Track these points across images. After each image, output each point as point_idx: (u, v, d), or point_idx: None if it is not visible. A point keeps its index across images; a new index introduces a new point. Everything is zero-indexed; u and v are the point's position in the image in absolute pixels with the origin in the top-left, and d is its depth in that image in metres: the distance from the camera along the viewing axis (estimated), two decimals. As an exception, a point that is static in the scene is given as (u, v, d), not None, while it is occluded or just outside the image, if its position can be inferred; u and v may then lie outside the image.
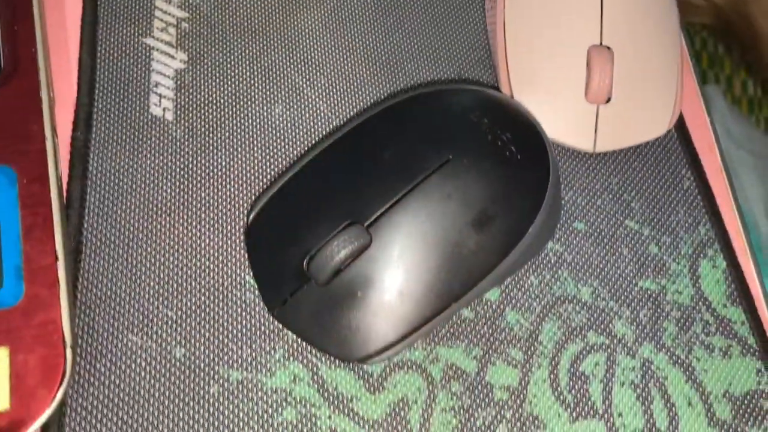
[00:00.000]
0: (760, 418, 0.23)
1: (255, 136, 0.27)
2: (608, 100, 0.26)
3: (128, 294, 0.23)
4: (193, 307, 0.24)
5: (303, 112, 0.28)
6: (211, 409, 0.22)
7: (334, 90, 0.28)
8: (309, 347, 0.23)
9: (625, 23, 0.27)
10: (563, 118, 0.27)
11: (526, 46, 0.27)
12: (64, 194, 0.24)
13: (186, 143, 0.27)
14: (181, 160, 0.26)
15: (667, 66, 0.27)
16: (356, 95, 0.28)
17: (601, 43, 0.26)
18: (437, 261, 0.22)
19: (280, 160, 0.27)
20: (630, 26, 0.27)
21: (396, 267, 0.22)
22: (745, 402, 0.24)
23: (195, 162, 0.26)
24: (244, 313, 0.24)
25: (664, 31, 0.27)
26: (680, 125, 0.30)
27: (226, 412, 0.22)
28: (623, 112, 0.27)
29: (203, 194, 0.26)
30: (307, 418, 0.22)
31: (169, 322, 0.23)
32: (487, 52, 0.30)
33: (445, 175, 0.23)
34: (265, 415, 0.22)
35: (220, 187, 0.26)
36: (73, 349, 0.20)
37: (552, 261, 0.26)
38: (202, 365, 0.23)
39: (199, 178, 0.26)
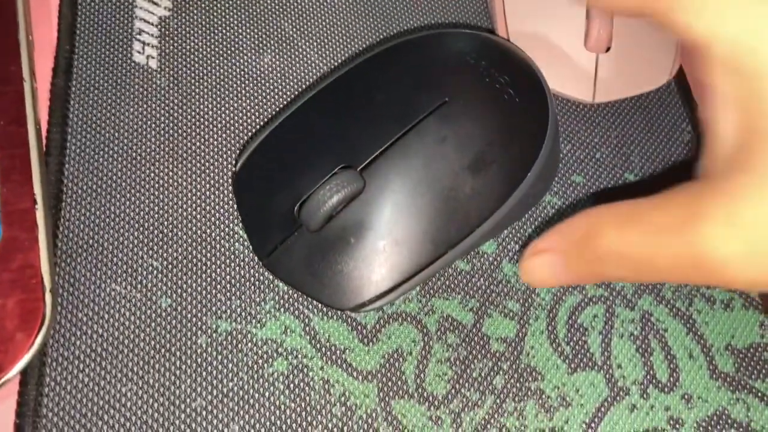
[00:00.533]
0: (764, 371, 0.23)
1: (243, 85, 0.26)
2: (608, 50, 0.26)
3: (111, 243, 0.23)
4: (180, 257, 0.23)
5: (293, 61, 0.27)
6: (199, 360, 0.21)
7: (326, 39, 0.27)
8: (301, 298, 0.22)
9: (625, -31, 0.26)
10: (562, 67, 0.26)
11: (524, -7, 0.26)
12: (44, 142, 0.23)
13: (171, 91, 0.26)
14: (166, 108, 0.25)
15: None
16: (348, 44, 0.28)
17: (601, -12, 0.25)
18: (433, 206, 0.21)
19: (269, 109, 0.26)
20: (631, -27, 0.26)
21: (390, 213, 0.21)
22: (748, 355, 0.23)
23: (180, 111, 0.25)
24: (232, 264, 0.23)
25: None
26: (679, 78, 0.29)
27: (215, 363, 0.21)
28: (623, 61, 0.26)
29: (189, 143, 0.25)
30: (299, 369, 0.21)
31: (155, 272, 0.22)
32: (483, 1, 0.29)
33: (441, 118, 0.22)
34: (255, 366, 0.21)
35: (206, 136, 0.25)
36: (53, 294, 0.20)
37: (550, 214, 0.25)
38: (189, 316, 0.22)
39: (185, 127, 0.25)
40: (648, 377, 0.23)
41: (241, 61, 0.27)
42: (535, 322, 0.23)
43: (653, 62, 0.26)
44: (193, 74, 0.26)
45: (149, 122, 0.25)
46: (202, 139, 0.25)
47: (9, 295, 0.19)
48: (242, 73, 0.26)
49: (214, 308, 0.22)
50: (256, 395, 0.21)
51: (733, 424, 0.22)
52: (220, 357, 0.21)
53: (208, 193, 0.24)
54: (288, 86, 0.26)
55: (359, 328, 0.22)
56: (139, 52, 0.26)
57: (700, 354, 0.23)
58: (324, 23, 0.28)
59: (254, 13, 0.28)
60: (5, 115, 0.21)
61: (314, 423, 0.21)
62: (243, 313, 0.22)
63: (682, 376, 0.23)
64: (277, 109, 0.26)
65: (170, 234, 0.23)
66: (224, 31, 0.27)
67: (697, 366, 0.23)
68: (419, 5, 0.29)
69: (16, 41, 0.23)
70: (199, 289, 0.22)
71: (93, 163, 0.24)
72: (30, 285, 0.19)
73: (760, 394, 0.23)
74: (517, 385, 0.22)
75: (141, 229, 0.23)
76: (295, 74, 0.27)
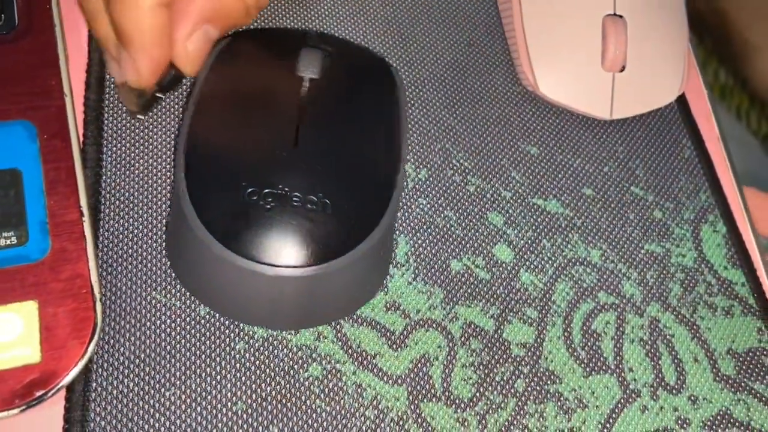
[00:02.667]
0: (762, 373, 0.25)
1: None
2: (623, 69, 0.27)
3: (150, 253, 0.23)
4: (215, 267, 0.24)
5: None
6: (238, 365, 0.22)
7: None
8: (331, 306, 0.24)
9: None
10: (581, 86, 0.27)
11: (541, 17, 0.27)
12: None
13: (201, 105, 0.27)
14: (197, 121, 0.26)
15: (675, 33, 0.28)
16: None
17: (614, 13, 0.27)
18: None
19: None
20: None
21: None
22: (748, 358, 0.25)
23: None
24: (265, 273, 0.24)
25: (671, 1, 0.28)
26: (680, 96, 0.31)
27: (253, 368, 0.22)
28: (637, 79, 0.27)
29: (221, 156, 0.26)
30: (333, 374, 0.22)
31: (192, 281, 0.23)
32: (495, 19, 0.31)
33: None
34: (292, 371, 0.22)
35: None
36: (102, 303, 0.20)
37: (563, 225, 0.27)
38: (226, 323, 0.23)
39: (215, 140, 0.26)
40: (657, 380, 0.24)
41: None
42: (552, 328, 0.24)
43: (665, 78, 0.28)
44: (221, 88, 0.27)
45: (181, 135, 0.26)
46: (233, 152, 0.26)
47: (60, 305, 0.20)
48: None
49: (249, 315, 0.23)
50: (293, 399, 0.22)
51: (735, 423, 0.24)
52: (257, 362, 0.22)
53: (240, 204, 0.25)
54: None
55: (388, 334, 0.23)
56: (168, 66, 0.27)
57: (704, 358, 0.25)
58: (335, 32, 0.29)
59: (263, 23, 0.29)
60: (49, 129, 0.22)
61: (348, 425, 0.22)
62: (277, 320, 0.23)
63: (688, 378, 0.24)
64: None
65: (205, 244, 0.24)
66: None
67: (702, 369, 0.25)
68: (432, 25, 0.30)
69: (55, 54, 0.24)
70: (235, 297, 0.23)
71: (129, 174, 0.25)
72: (81, 294, 0.20)
73: (759, 395, 0.24)
74: (537, 388, 0.23)
75: (177, 239, 0.24)
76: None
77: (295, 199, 0.21)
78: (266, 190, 0.21)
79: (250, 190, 0.21)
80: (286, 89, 0.24)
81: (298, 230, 0.21)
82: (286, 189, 0.21)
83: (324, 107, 0.24)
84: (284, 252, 0.20)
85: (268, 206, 0.21)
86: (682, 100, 0.31)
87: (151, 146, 0.25)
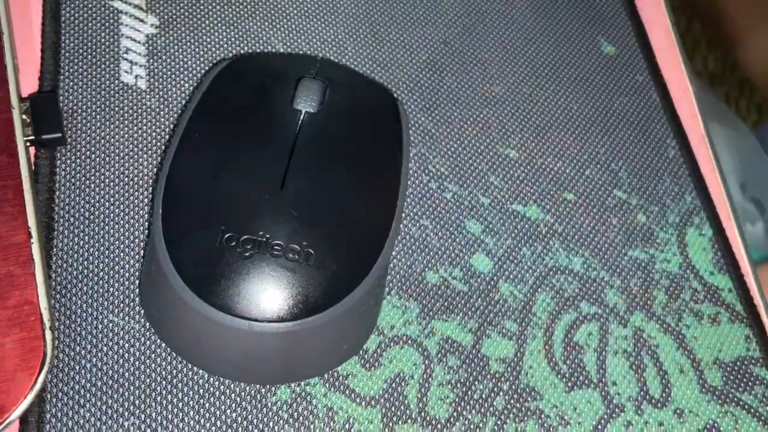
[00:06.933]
0: (750, 383, 0.24)
1: (235, 105, 0.26)
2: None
3: (107, 273, 0.22)
4: (177, 285, 0.22)
5: (285, 80, 0.27)
6: (201, 391, 0.21)
7: (315, 46, 0.27)
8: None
9: None
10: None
11: None
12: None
13: (162, 112, 0.25)
14: (157, 130, 0.25)
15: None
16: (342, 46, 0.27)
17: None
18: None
19: (262, 130, 0.26)
20: None
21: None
22: (735, 368, 0.24)
23: (172, 133, 0.25)
24: (231, 290, 0.23)
25: None
26: (664, 93, 0.30)
27: (217, 393, 0.21)
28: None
29: (183, 166, 0.24)
30: (302, 397, 0.21)
31: (152, 301, 0.22)
32: (472, 15, 0.29)
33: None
34: (258, 396, 0.21)
35: (200, 158, 0.25)
36: (52, 331, 0.19)
37: (543, 232, 0.26)
38: (189, 345, 0.22)
39: (177, 150, 0.25)
40: (642, 393, 0.23)
41: (232, 80, 0.26)
42: (533, 342, 0.24)
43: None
44: (183, 94, 0.26)
45: (141, 145, 0.24)
46: (196, 162, 0.24)
47: (7, 334, 0.19)
48: (233, 92, 0.26)
49: (214, 336, 0.22)
50: (261, 426, 0.21)
51: (722, 436, 0.23)
52: (222, 387, 0.21)
53: (203, 218, 0.24)
54: (280, 105, 0.26)
55: (360, 352, 0.22)
56: (127, 72, 0.26)
57: (690, 369, 0.24)
58: (315, 43, 0.28)
59: (243, 30, 0.27)
60: (-6, 145, 0.21)
61: (319, 451, 0.21)
62: (244, 341, 0.22)
63: (673, 391, 0.23)
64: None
65: (166, 261, 0.23)
66: (213, 49, 0.27)
67: (688, 381, 0.24)
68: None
69: (2, 65, 0.22)
70: (198, 317, 0.22)
71: (84, 189, 0.23)
72: (29, 323, 0.19)
73: (747, 407, 0.23)
74: (518, 405, 0.22)
75: (137, 257, 0.23)
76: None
77: (276, 247, 0.19)
78: (245, 236, 0.19)
79: (228, 235, 0.19)
80: (279, 124, 0.22)
81: (276, 282, 0.19)
82: (267, 236, 0.19)
83: (318, 146, 0.22)
84: (260, 305, 0.19)
85: (247, 254, 0.19)
86: (666, 99, 0.30)
87: (107, 159, 0.24)
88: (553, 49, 0.30)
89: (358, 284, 0.20)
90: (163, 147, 0.24)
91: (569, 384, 0.23)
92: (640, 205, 0.27)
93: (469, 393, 0.22)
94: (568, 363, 0.23)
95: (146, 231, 0.23)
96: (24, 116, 0.22)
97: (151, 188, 0.24)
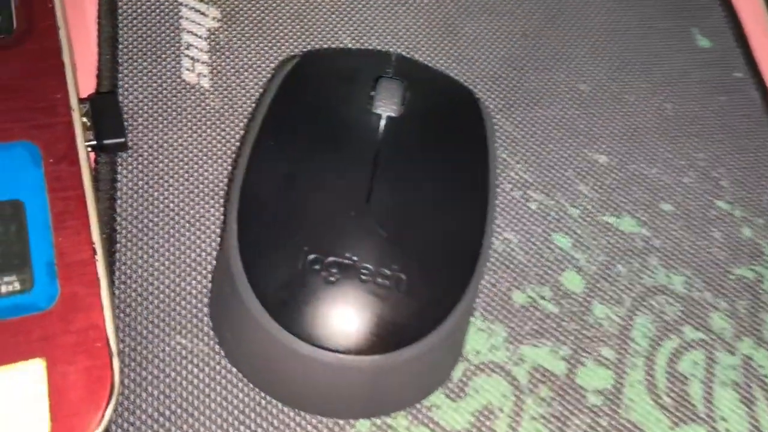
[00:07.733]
0: None
1: (303, 105, 0.24)
2: None
3: (172, 290, 0.20)
4: (247, 304, 0.21)
5: (356, 78, 0.24)
6: (275, 422, 0.19)
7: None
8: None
9: None
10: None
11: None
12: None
13: (226, 114, 0.23)
14: (222, 134, 0.23)
15: None
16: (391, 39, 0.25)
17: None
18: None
19: (333, 133, 0.24)
20: None
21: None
22: None
23: (238, 136, 0.23)
24: (304, 310, 0.21)
25: None
26: (765, 92, 0.27)
27: (292, 425, 0.19)
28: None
29: (250, 173, 0.23)
30: (383, 429, 0.20)
31: (221, 322, 0.20)
32: (552, 5, 0.27)
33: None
34: (336, 428, 0.19)
35: (268, 164, 0.23)
36: (120, 358, 0.18)
37: (640, 247, 0.23)
38: (261, 371, 0.20)
39: (244, 155, 0.23)
40: (754, 431, 0.21)
41: (300, 78, 0.24)
42: (633, 371, 0.21)
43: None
44: (248, 94, 0.24)
45: (205, 150, 0.23)
46: (264, 169, 0.23)
47: (72, 362, 0.17)
48: (302, 92, 0.24)
49: (286, 360, 0.20)
50: (340, 461, 0.19)
51: None
52: (297, 418, 0.19)
53: (273, 229, 0.22)
54: (351, 105, 0.24)
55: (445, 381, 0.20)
56: (189, 70, 0.24)
57: (807, 403, 0.22)
58: (386, 37, 0.26)
59: (311, 23, 0.25)
60: (54, 151, 0.19)
61: (403, 490, 0.19)
62: (319, 366, 0.20)
63: (789, 428, 0.21)
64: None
65: (235, 277, 0.21)
66: (278, 43, 0.25)
67: (805, 416, 0.21)
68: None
69: (60, 62, 0.21)
70: (270, 340, 0.20)
71: (148, 198, 0.22)
72: (95, 349, 0.17)
73: None
74: (618, 442, 0.20)
75: (203, 272, 0.21)
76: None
77: (364, 271, 0.17)
78: (331, 259, 0.18)
79: (312, 257, 0.18)
80: (358, 129, 0.20)
81: (365, 311, 0.17)
82: (355, 258, 0.18)
83: (402, 154, 0.20)
84: (348, 336, 0.17)
85: (332, 278, 0.17)
86: (767, 96, 0.27)
87: (171, 165, 0.22)
88: (643, 43, 0.28)
89: (451, 311, 0.18)
90: (231, 153, 0.23)
91: (674, 419, 0.21)
92: (745, 217, 0.24)
93: (565, 429, 0.20)
94: (672, 396, 0.21)
95: (216, 245, 0.21)
96: (84, 119, 0.21)
97: (219, 198, 0.22)
